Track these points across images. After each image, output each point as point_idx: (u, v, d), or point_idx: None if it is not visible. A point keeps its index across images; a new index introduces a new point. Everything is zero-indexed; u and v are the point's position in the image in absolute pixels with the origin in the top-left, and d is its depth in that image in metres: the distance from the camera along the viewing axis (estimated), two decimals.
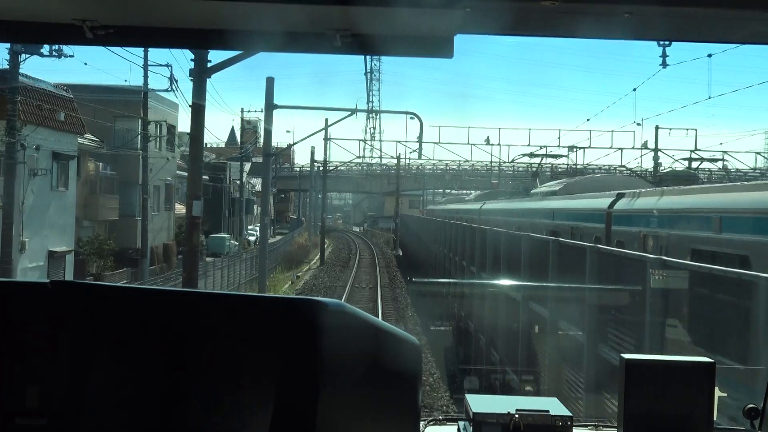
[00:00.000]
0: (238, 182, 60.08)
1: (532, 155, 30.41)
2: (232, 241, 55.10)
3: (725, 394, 2.80)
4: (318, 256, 50.81)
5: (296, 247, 55.94)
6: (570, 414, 2.54)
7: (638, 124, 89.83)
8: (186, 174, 53.76)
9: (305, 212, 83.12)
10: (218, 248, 51.83)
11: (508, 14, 1.95)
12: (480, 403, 2.61)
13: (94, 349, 1.98)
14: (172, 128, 41.51)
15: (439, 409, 13.75)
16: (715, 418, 2.63)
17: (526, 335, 12.00)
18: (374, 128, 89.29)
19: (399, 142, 56.64)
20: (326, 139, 48.81)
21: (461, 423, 2.66)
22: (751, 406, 2.69)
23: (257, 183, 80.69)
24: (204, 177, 58.35)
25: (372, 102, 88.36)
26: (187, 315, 2.00)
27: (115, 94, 35.19)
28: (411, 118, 33.74)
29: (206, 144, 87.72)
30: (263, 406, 1.87)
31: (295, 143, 44.19)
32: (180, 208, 45.15)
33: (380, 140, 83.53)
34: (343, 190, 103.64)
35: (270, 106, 31.23)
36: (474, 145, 52.98)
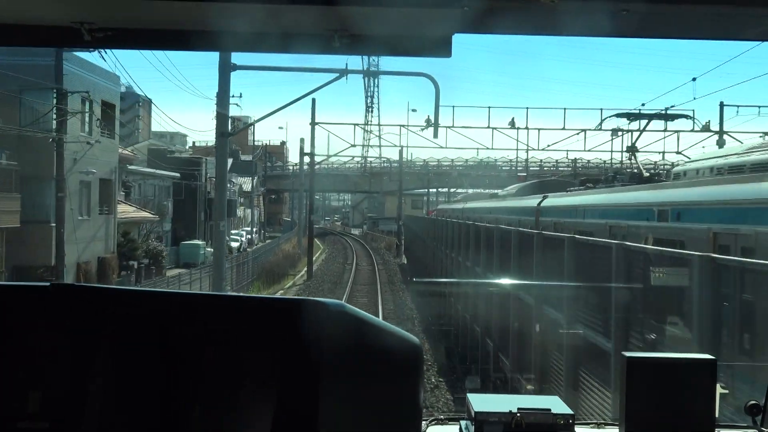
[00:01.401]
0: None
1: (626, 116, 20.93)
2: (208, 249, 48.09)
3: (727, 391, 2.84)
4: (307, 267, 41.91)
5: (281, 256, 47.06)
6: (572, 412, 2.53)
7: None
8: (146, 170, 45.13)
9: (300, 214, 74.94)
10: (191, 257, 46.99)
11: (507, 13, 1.95)
12: (481, 402, 2.61)
13: (94, 351, 2.00)
14: (110, 107, 32.36)
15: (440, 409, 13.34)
16: (717, 415, 2.60)
17: (528, 335, 11.39)
18: (374, 90, 79.44)
19: (402, 126, 47.87)
20: (313, 123, 39.64)
21: (463, 422, 2.65)
22: (752, 402, 2.67)
23: (245, 182, 73.06)
24: (176, 174, 50.24)
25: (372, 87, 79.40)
26: (188, 317, 2.04)
27: (24, 57, 25.99)
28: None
29: (194, 143, 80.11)
30: (265, 407, 1.92)
31: (260, 120, 35.41)
32: (125, 211, 36.20)
33: (379, 124, 74.23)
34: (338, 190, 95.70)
35: (227, 67, 22.71)
36: (495, 128, 44.15)
